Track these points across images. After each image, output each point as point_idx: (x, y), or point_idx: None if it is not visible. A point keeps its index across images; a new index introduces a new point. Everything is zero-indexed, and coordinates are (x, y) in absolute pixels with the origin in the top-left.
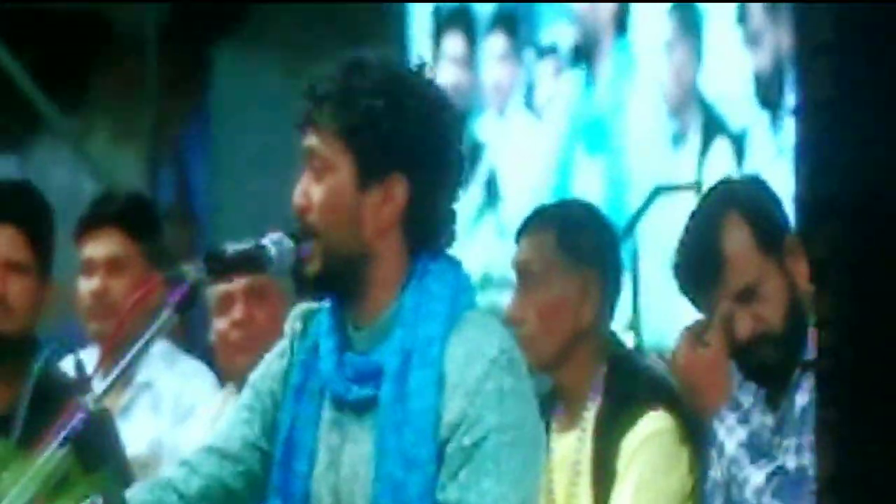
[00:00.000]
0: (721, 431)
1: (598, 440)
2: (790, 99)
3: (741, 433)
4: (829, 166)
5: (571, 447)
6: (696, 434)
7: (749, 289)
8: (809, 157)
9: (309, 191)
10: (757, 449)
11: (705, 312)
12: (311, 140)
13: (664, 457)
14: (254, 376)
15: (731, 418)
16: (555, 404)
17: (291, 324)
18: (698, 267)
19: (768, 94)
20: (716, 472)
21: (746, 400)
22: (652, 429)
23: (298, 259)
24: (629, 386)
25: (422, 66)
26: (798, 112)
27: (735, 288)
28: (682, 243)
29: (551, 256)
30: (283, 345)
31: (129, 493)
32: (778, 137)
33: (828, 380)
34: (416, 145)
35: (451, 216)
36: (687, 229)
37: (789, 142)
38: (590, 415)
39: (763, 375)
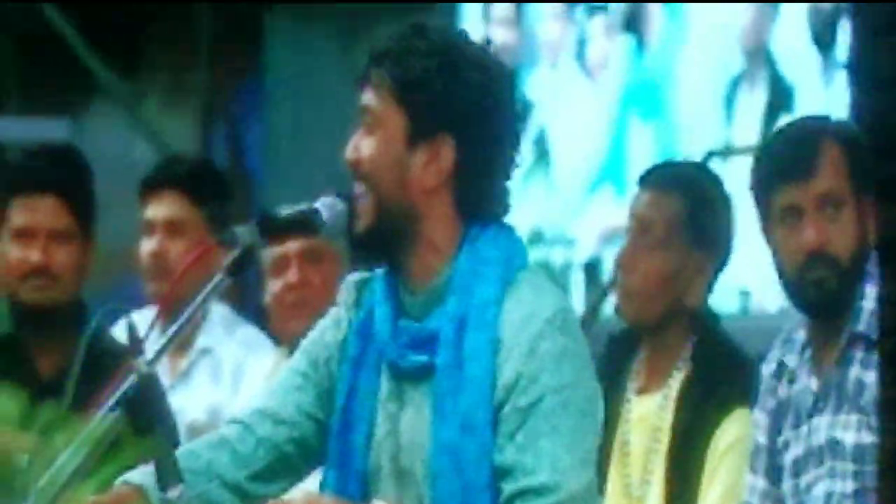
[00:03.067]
0: (765, 394)
1: (681, 410)
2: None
3: (780, 395)
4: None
5: (652, 410)
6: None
7: (831, 197)
8: (876, 136)
9: (359, 145)
10: (796, 413)
11: (765, 216)
12: (367, 97)
13: (746, 460)
14: (306, 343)
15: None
16: (641, 362)
17: (345, 294)
18: (792, 160)
19: (822, 38)
20: (760, 436)
21: (792, 360)
22: (739, 433)
23: (351, 218)
24: (716, 362)
25: (486, 42)
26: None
27: (819, 189)
28: (777, 137)
29: (676, 226)
30: (336, 314)
31: (182, 451)
32: (829, 90)
33: (891, 360)
34: (467, 109)
35: (505, 187)
36: (781, 131)
37: (841, 97)
38: (675, 382)
39: (816, 298)
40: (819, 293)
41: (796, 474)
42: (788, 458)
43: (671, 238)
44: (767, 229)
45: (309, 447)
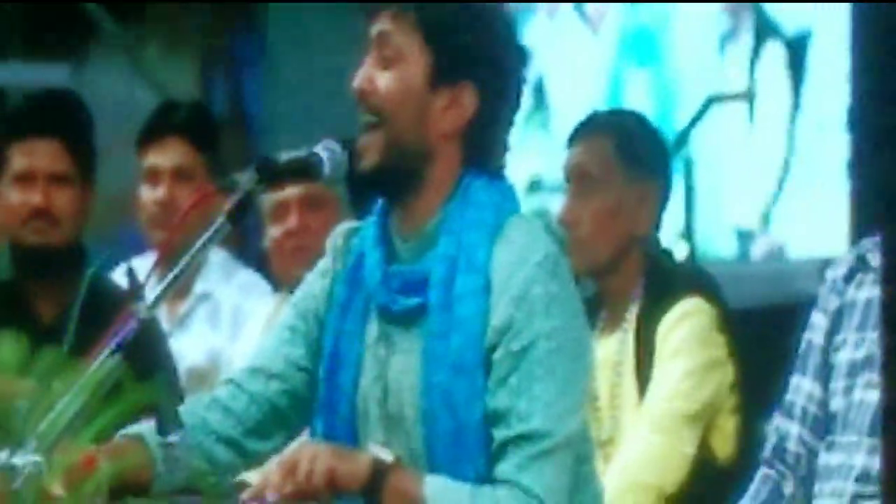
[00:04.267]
0: (828, 295)
1: (638, 337)
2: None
3: (847, 297)
4: None
5: (613, 349)
6: (739, 332)
7: None
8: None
9: (373, 76)
10: (863, 316)
11: None
12: (386, 25)
13: (698, 331)
14: (296, 296)
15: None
16: (599, 308)
17: (333, 241)
18: None
19: None
20: (816, 336)
21: (875, 259)
22: (685, 309)
23: (352, 157)
24: (667, 281)
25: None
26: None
27: None
28: None
29: (610, 162)
30: (324, 263)
31: None
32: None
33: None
34: (492, 61)
35: (507, 137)
36: None
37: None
38: (630, 315)
39: None
40: None
41: (850, 375)
42: (844, 357)
43: (606, 176)
44: None
45: (301, 399)
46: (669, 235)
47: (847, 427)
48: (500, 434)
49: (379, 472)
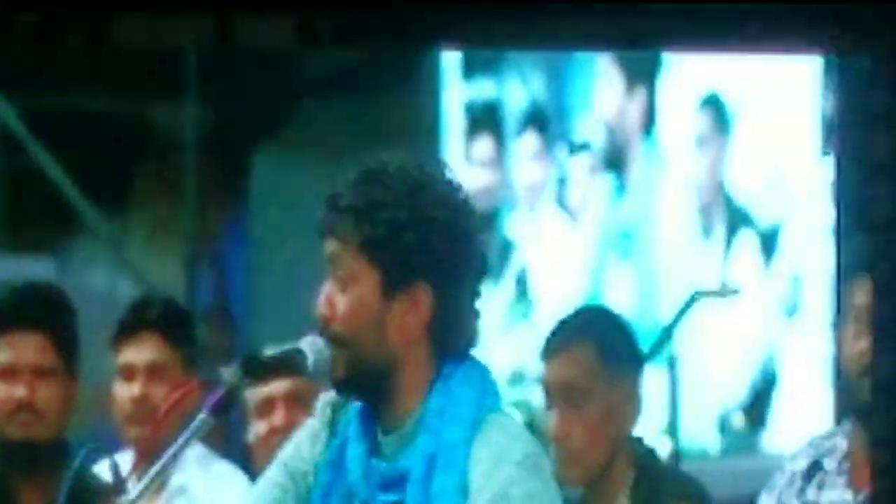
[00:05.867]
0: (788, 490)
1: None
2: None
3: (808, 498)
4: None
5: None
6: None
7: None
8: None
9: (334, 300)
10: None
11: None
12: (333, 247)
13: None
14: (284, 455)
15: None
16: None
17: (322, 409)
18: None
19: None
20: None
21: (830, 464)
22: None
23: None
24: (655, 486)
25: (444, 167)
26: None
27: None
28: None
29: (593, 369)
30: (313, 427)
31: None
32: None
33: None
34: (441, 255)
35: (476, 317)
36: None
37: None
38: None
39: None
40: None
41: None
42: None
43: (592, 384)
44: None
45: None
46: (654, 432)
47: None
48: None
49: None
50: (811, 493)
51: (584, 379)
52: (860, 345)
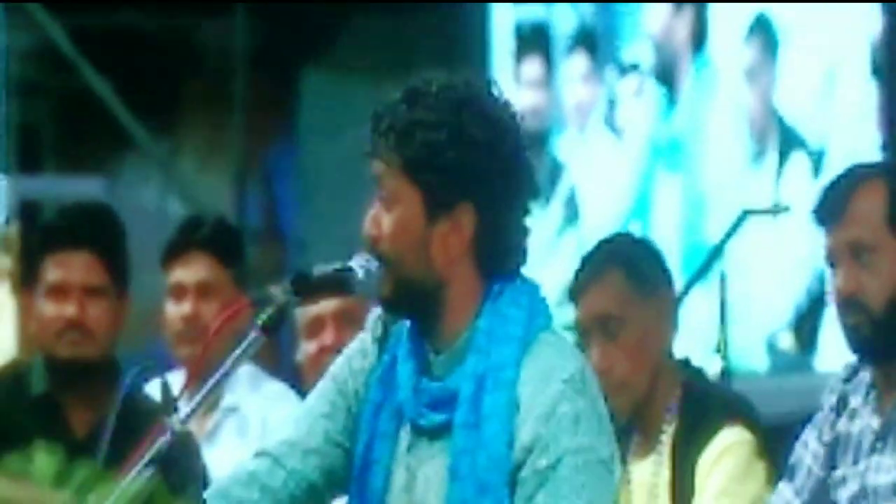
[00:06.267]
0: (824, 423)
1: (674, 461)
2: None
3: (840, 429)
4: None
5: (648, 471)
6: (773, 449)
7: (862, 245)
8: None
9: (380, 220)
10: (856, 449)
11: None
12: (378, 168)
13: (741, 466)
14: (334, 370)
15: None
16: (632, 431)
17: (373, 325)
18: (826, 208)
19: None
20: (809, 458)
21: (856, 401)
22: (728, 441)
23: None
24: (703, 405)
25: (492, 86)
26: None
27: (850, 237)
28: (823, 188)
29: (625, 294)
30: (364, 342)
31: (211, 491)
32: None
33: None
34: (482, 174)
35: (523, 235)
36: (830, 181)
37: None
38: (666, 437)
39: (853, 344)
40: (854, 338)
41: None
42: (844, 494)
43: (626, 310)
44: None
45: (336, 476)
46: (705, 351)
47: None
48: None
49: None
50: (842, 423)
51: (617, 307)
52: None
